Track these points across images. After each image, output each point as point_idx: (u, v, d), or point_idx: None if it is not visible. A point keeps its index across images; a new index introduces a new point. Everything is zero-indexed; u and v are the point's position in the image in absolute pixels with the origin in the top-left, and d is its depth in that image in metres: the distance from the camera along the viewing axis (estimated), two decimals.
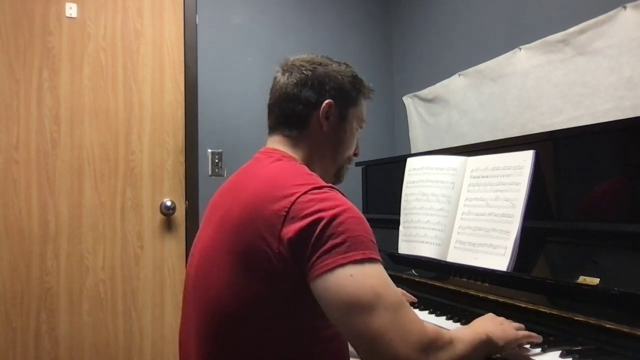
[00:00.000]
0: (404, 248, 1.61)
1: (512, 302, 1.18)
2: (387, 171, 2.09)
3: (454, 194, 1.47)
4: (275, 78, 1.08)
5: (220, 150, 2.44)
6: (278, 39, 2.59)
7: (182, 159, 2.38)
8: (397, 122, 2.82)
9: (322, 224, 0.82)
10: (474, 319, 1.03)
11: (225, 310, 0.89)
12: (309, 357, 0.92)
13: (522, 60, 1.91)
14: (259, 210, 0.87)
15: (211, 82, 2.45)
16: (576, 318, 1.03)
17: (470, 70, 2.19)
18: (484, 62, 2.11)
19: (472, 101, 2.18)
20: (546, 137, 1.35)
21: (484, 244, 1.30)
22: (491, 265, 1.25)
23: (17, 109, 2.13)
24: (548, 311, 1.10)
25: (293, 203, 0.85)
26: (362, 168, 2.22)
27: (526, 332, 0.99)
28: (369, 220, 0.91)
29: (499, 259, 1.24)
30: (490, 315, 1.03)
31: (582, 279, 1.05)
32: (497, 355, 0.95)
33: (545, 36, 1.80)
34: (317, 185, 0.89)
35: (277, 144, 1.05)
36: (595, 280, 1.03)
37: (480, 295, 1.29)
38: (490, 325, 0.96)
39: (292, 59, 1.08)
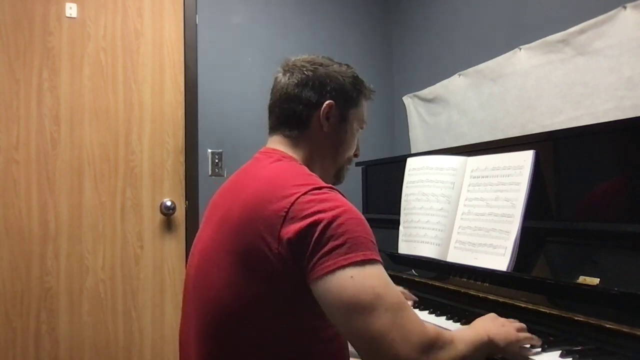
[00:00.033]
0: (404, 248, 1.61)
1: (512, 302, 1.18)
2: (387, 171, 2.09)
3: (454, 194, 1.47)
4: (276, 78, 1.08)
5: (220, 150, 2.44)
6: (278, 39, 2.59)
7: (182, 159, 2.38)
8: (397, 122, 2.82)
9: (322, 225, 0.82)
10: (474, 319, 1.03)
11: (225, 310, 0.89)
12: (309, 357, 0.92)
13: (522, 60, 1.91)
14: (258, 211, 0.87)
15: (211, 82, 2.45)
16: (576, 318, 1.03)
17: (470, 70, 2.19)
18: (484, 62, 2.11)
19: (472, 101, 2.18)
20: (546, 137, 1.35)
21: (484, 244, 1.30)
22: (491, 265, 1.25)
23: (17, 109, 2.13)
24: (548, 311, 1.10)
25: (292, 203, 0.85)
26: (362, 168, 2.22)
27: (528, 335, 0.99)
28: (368, 220, 0.91)
29: (499, 259, 1.24)
30: (492, 316, 1.03)
31: (582, 279, 1.05)
32: (498, 355, 0.95)
33: (545, 36, 1.80)
34: (317, 186, 0.89)
35: (277, 144, 1.05)
36: (595, 280, 1.03)
37: (480, 295, 1.29)
38: (491, 326, 0.96)
39: (293, 59, 1.08)
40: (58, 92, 2.19)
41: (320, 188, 0.89)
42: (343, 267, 0.80)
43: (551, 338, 1.04)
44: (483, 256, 1.29)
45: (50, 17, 2.19)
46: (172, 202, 2.32)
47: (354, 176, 2.19)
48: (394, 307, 0.80)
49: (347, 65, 1.10)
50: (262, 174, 0.96)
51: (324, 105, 1.03)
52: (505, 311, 1.11)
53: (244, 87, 2.48)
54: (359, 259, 0.81)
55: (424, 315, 1.32)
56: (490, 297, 1.25)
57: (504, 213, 1.27)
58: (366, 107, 1.11)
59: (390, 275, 0.85)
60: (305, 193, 0.86)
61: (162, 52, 2.36)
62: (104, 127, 2.26)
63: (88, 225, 2.21)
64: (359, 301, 0.79)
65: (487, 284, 1.30)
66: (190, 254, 1.06)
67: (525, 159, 1.26)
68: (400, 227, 1.65)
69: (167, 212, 2.31)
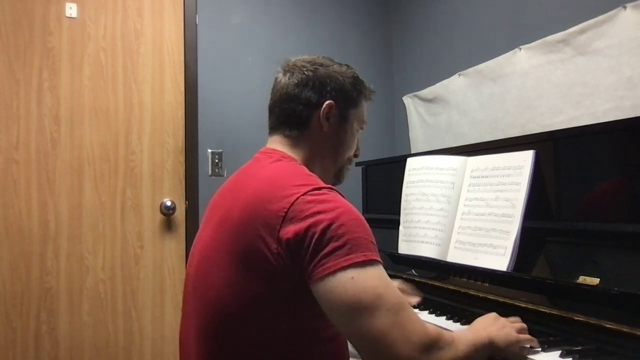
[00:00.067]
0: (404, 248, 1.61)
1: (512, 302, 1.18)
2: (387, 171, 2.09)
3: (454, 194, 1.47)
4: (276, 79, 1.08)
5: (220, 150, 2.44)
6: (278, 39, 2.59)
7: (182, 159, 2.38)
8: (397, 122, 2.82)
9: (322, 226, 0.83)
10: (475, 319, 1.03)
11: (225, 310, 0.89)
12: (308, 357, 0.92)
13: (522, 60, 1.91)
14: (258, 211, 0.87)
15: (211, 82, 2.45)
16: (576, 318, 1.03)
17: (470, 70, 2.19)
18: (484, 62, 2.11)
19: (472, 101, 2.18)
20: (546, 137, 1.35)
21: (484, 244, 1.30)
22: (491, 265, 1.25)
23: (17, 109, 2.13)
24: (548, 311, 1.10)
25: (292, 204, 0.85)
26: (362, 168, 2.22)
27: (528, 336, 0.99)
28: (368, 220, 0.91)
29: (499, 259, 1.24)
30: (492, 316, 1.03)
31: (582, 279, 1.05)
32: (499, 356, 0.95)
33: (545, 36, 1.80)
34: (316, 187, 0.89)
35: (277, 144, 1.05)
36: (595, 280, 1.03)
37: (480, 295, 1.29)
38: (492, 328, 0.96)
39: (293, 59, 1.08)
40: (58, 92, 2.19)
41: (320, 189, 0.89)
42: (344, 268, 0.81)
43: (551, 338, 1.04)
44: (483, 256, 1.29)
45: (50, 17, 2.19)
46: (172, 202, 2.32)
47: (354, 176, 2.19)
48: (394, 308, 0.80)
49: (347, 66, 1.10)
50: (262, 174, 0.96)
51: (324, 105, 1.03)
52: (505, 311, 1.11)
53: (244, 87, 2.48)
54: (359, 259, 0.82)
55: (424, 315, 1.32)
56: (490, 297, 1.25)
57: (504, 213, 1.27)
58: (366, 108, 1.12)
59: (390, 275, 0.85)
60: (305, 193, 0.86)
61: (162, 52, 2.36)
62: (104, 127, 2.26)
63: (88, 225, 2.21)
64: (360, 302, 0.79)
65: (487, 284, 1.30)
66: (190, 254, 1.06)
67: (525, 159, 1.26)
68: (400, 227, 1.65)
69: (167, 212, 2.31)
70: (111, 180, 2.26)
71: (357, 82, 1.08)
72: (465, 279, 1.37)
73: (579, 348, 0.97)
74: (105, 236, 2.23)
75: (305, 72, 1.04)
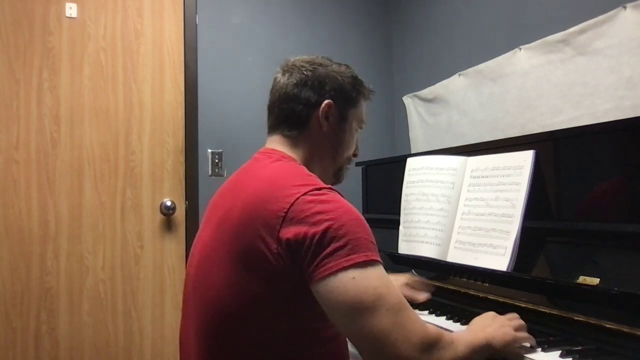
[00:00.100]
0: (404, 248, 1.61)
1: (512, 302, 1.18)
2: (387, 171, 2.09)
3: (454, 194, 1.47)
4: (275, 78, 1.08)
5: (220, 150, 2.44)
6: (278, 39, 2.59)
7: (182, 159, 2.38)
8: (397, 122, 2.82)
9: (323, 226, 0.83)
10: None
11: (225, 310, 0.89)
12: (308, 357, 0.92)
13: (522, 60, 1.91)
14: (258, 211, 0.87)
15: (211, 82, 2.45)
16: (576, 318, 1.03)
17: (470, 70, 2.19)
18: (484, 62, 2.11)
19: (472, 101, 2.18)
20: (546, 137, 1.35)
21: (484, 244, 1.30)
22: (491, 265, 1.25)
23: (17, 109, 2.13)
24: (548, 311, 1.10)
25: (292, 204, 0.85)
26: (362, 168, 2.22)
27: (526, 334, 0.99)
28: (368, 220, 0.91)
29: (499, 259, 1.24)
30: (490, 315, 1.03)
31: (582, 279, 1.05)
32: (498, 356, 0.96)
33: (545, 36, 1.80)
34: (316, 187, 0.89)
35: (276, 144, 1.05)
36: (595, 280, 1.03)
37: (480, 295, 1.29)
38: (489, 329, 0.96)
39: (292, 59, 1.08)
40: (58, 92, 2.19)
41: (320, 189, 0.89)
42: (345, 268, 0.81)
43: (551, 338, 1.04)
44: (483, 256, 1.29)
45: (50, 17, 2.19)
46: (172, 202, 2.32)
47: (354, 176, 2.19)
48: (395, 308, 0.81)
49: (346, 66, 1.10)
50: (261, 174, 0.96)
51: (323, 104, 1.03)
52: (505, 311, 1.10)
53: (244, 87, 2.48)
54: (360, 260, 0.82)
55: (424, 316, 1.32)
56: (490, 297, 1.25)
57: (504, 213, 1.27)
58: (365, 107, 1.12)
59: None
60: (305, 193, 0.86)
61: (162, 52, 2.36)
62: (104, 127, 2.26)
63: (88, 225, 2.21)
64: (362, 301, 0.80)
65: (487, 284, 1.30)
66: (190, 254, 1.06)
67: (525, 159, 1.26)
68: (400, 227, 1.65)
69: (167, 212, 2.31)
70: (111, 180, 2.26)
71: (356, 82, 1.08)
72: (465, 279, 1.37)
73: (579, 348, 0.97)
74: (105, 236, 2.23)
75: (305, 72, 1.04)
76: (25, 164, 2.14)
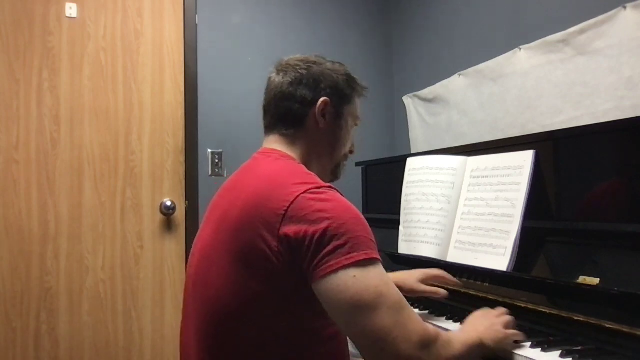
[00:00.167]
0: (404, 248, 1.61)
1: (512, 302, 1.18)
2: (387, 171, 2.09)
3: (454, 194, 1.47)
4: (269, 78, 1.09)
5: (220, 150, 2.44)
6: (278, 39, 2.59)
7: (182, 159, 2.38)
8: (397, 122, 2.82)
9: (323, 225, 0.83)
10: None
11: (225, 310, 0.89)
12: (309, 357, 0.92)
13: (522, 60, 1.91)
14: (258, 209, 0.87)
15: (211, 82, 2.45)
16: (576, 318, 1.03)
17: (470, 70, 2.19)
18: (484, 62, 2.11)
19: (472, 101, 2.18)
20: (546, 137, 1.35)
21: (484, 244, 1.30)
22: (491, 265, 1.25)
23: (17, 109, 2.13)
24: (548, 311, 1.10)
25: (292, 202, 0.85)
26: (362, 168, 2.22)
27: (515, 331, 1.02)
28: (368, 220, 0.91)
29: (499, 259, 1.24)
30: (481, 314, 1.06)
31: (582, 279, 1.05)
32: (490, 354, 0.97)
33: (545, 36, 1.80)
34: (316, 185, 0.89)
35: (274, 143, 1.05)
36: (595, 280, 1.03)
37: (480, 295, 1.29)
38: (481, 328, 0.98)
39: (286, 59, 1.09)
40: (58, 92, 2.19)
41: (319, 187, 0.89)
42: (346, 266, 0.81)
43: (551, 338, 1.04)
44: (483, 256, 1.29)
45: (50, 17, 2.19)
46: (172, 202, 2.32)
47: (354, 176, 2.20)
48: (395, 306, 0.81)
49: (340, 63, 1.11)
50: (261, 173, 0.97)
51: (319, 102, 1.03)
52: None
53: (244, 87, 2.48)
54: (361, 258, 0.82)
55: (424, 316, 1.33)
56: (490, 297, 1.25)
57: (504, 213, 1.27)
58: (359, 104, 1.12)
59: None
60: (305, 192, 0.87)
61: (162, 52, 2.36)
62: (104, 127, 2.26)
63: (88, 225, 2.21)
64: (362, 300, 0.80)
65: (487, 284, 1.30)
66: (190, 253, 1.06)
67: (525, 159, 1.26)
68: (400, 227, 1.65)
69: (167, 212, 2.31)
70: (111, 180, 2.26)
71: (350, 79, 1.09)
72: (465, 279, 1.37)
73: (579, 348, 0.97)
74: (105, 236, 2.23)
75: (299, 71, 1.04)
76: (25, 164, 2.14)
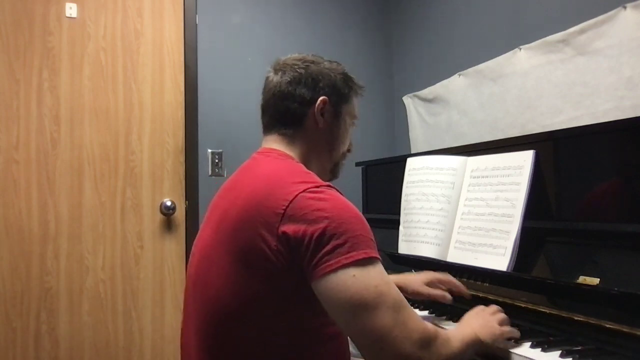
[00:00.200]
0: (404, 248, 1.61)
1: (512, 302, 1.18)
2: (387, 171, 2.09)
3: (454, 194, 1.47)
4: (267, 78, 1.09)
5: (220, 150, 2.44)
6: (278, 39, 2.59)
7: (182, 159, 2.38)
8: (397, 122, 2.82)
9: (323, 224, 0.83)
10: None
11: (225, 310, 0.89)
12: (309, 356, 0.92)
13: (522, 60, 1.91)
14: (257, 209, 0.88)
15: (211, 82, 2.45)
16: (576, 318, 1.03)
17: (470, 70, 2.19)
18: (484, 62, 2.11)
19: (472, 101, 2.18)
20: (546, 137, 1.35)
21: (484, 244, 1.30)
22: (491, 265, 1.25)
23: (17, 109, 2.13)
24: (548, 311, 1.10)
25: (291, 201, 0.86)
26: (362, 168, 2.22)
27: (510, 328, 1.04)
28: (368, 220, 0.91)
29: (499, 259, 1.24)
30: (476, 312, 1.07)
31: (582, 279, 1.05)
32: (496, 354, 0.97)
33: (545, 36, 1.80)
34: (316, 184, 0.89)
35: (273, 142, 1.06)
36: (595, 280, 1.03)
37: (480, 295, 1.29)
38: (476, 325, 1.00)
39: (283, 58, 1.09)
40: (58, 92, 2.19)
41: (319, 186, 0.89)
42: (345, 265, 0.81)
43: (551, 338, 1.04)
44: (483, 256, 1.29)
45: (50, 17, 2.19)
46: (172, 202, 2.32)
47: (354, 176, 2.20)
48: (395, 305, 0.82)
49: (337, 62, 1.11)
50: (260, 172, 0.97)
51: (318, 101, 1.03)
52: (505, 311, 1.11)
53: (244, 87, 2.48)
54: (360, 257, 0.82)
55: (424, 315, 1.32)
56: (490, 297, 1.25)
57: (504, 213, 1.27)
58: (356, 103, 1.13)
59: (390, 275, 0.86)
60: (304, 191, 0.87)
61: (162, 52, 2.36)
62: (104, 127, 2.26)
63: (88, 225, 2.21)
64: (362, 299, 0.80)
65: (487, 284, 1.30)
66: (190, 253, 1.06)
67: (525, 159, 1.26)
68: (400, 227, 1.65)
69: (167, 212, 2.31)
70: (111, 180, 2.26)
71: (347, 78, 1.10)
72: (465, 279, 1.37)
73: (579, 348, 0.97)
74: (105, 236, 2.23)
75: (298, 70, 1.05)
76: (25, 164, 2.14)
